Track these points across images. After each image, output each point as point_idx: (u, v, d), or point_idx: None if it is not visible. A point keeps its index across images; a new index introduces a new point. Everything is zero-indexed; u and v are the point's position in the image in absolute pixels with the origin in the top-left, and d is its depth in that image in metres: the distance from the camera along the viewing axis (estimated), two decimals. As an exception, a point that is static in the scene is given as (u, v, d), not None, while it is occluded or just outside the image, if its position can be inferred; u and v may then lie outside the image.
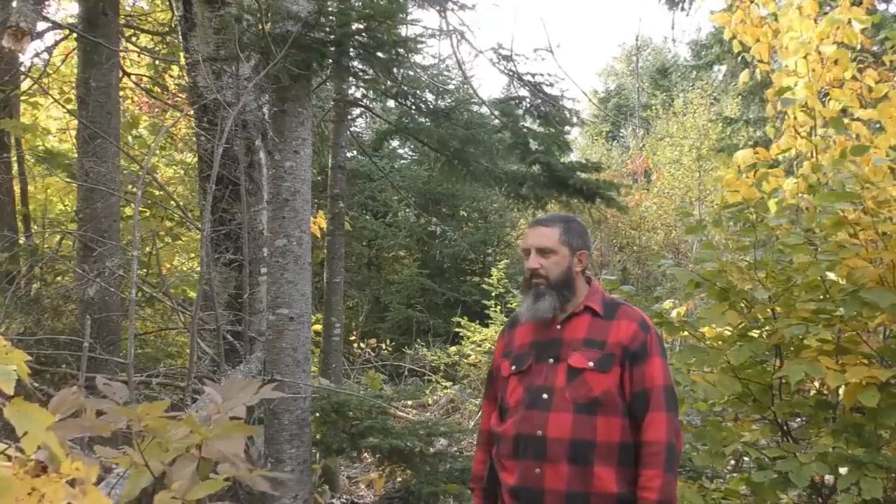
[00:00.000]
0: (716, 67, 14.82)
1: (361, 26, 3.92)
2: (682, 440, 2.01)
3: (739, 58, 4.60)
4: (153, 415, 0.92)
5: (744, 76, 4.72)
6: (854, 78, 3.97)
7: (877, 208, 2.72)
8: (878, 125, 3.87)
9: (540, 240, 2.07)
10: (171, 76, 8.33)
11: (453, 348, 9.63)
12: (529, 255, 2.08)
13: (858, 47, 4.08)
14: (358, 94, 6.19)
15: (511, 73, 5.22)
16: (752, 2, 4.24)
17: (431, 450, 4.51)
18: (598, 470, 1.91)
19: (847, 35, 3.88)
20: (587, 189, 4.95)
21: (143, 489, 1.02)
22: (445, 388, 8.41)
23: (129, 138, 7.48)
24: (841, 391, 2.74)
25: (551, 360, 2.01)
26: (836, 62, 3.97)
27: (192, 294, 6.48)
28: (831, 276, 2.87)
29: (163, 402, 0.95)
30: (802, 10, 3.94)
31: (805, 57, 3.93)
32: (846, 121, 3.75)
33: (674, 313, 3.80)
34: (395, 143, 12.01)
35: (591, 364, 1.96)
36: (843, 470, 2.58)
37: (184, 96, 6.76)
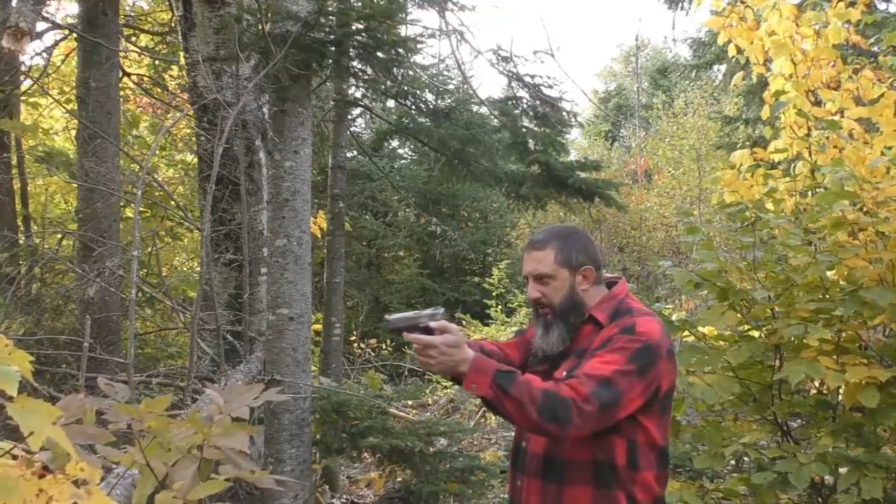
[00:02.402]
0: (715, 67, 14.80)
1: (361, 26, 3.93)
2: (573, 426, 1.64)
3: (734, 60, 4.59)
4: (155, 412, 0.92)
5: (736, 78, 4.70)
6: (849, 78, 3.96)
7: (876, 209, 2.73)
8: (875, 125, 3.87)
9: (534, 266, 1.86)
10: (171, 76, 8.34)
11: (453, 348, 9.61)
12: (529, 283, 1.90)
13: (846, 45, 4.07)
14: (358, 94, 6.20)
15: (510, 75, 5.23)
16: (744, 5, 4.24)
17: (431, 449, 4.52)
18: (569, 490, 1.77)
19: (829, 34, 3.87)
20: (586, 188, 4.96)
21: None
22: (445, 388, 8.41)
23: (129, 138, 7.48)
24: (841, 391, 2.75)
25: (549, 370, 1.91)
26: (831, 64, 3.97)
27: (192, 294, 6.48)
28: (830, 275, 2.87)
29: (165, 399, 0.95)
30: (782, 12, 3.94)
31: (791, 59, 3.94)
32: (838, 119, 3.76)
33: (674, 317, 3.80)
34: (395, 143, 12.03)
35: (564, 374, 1.79)
36: (842, 470, 2.58)
37: (184, 96, 6.76)
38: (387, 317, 1.81)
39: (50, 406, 0.78)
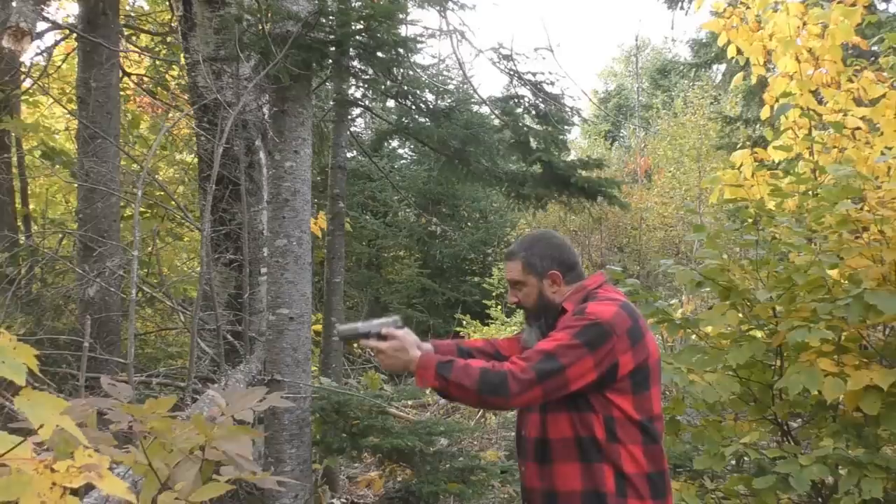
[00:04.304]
0: (715, 67, 14.81)
1: (361, 26, 3.93)
2: (512, 394, 1.80)
3: (734, 60, 4.58)
4: (158, 413, 0.92)
5: (736, 79, 4.70)
6: (850, 80, 3.96)
7: (879, 208, 2.73)
8: (876, 126, 3.86)
9: (508, 274, 2.09)
10: (171, 76, 8.33)
11: (453, 348, 9.61)
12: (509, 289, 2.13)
13: (846, 45, 4.07)
14: (358, 94, 6.19)
15: (511, 73, 5.23)
16: (745, 6, 4.23)
17: (432, 449, 4.51)
18: (559, 467, 1.90)
19: (834, 33, 3.86)
20: (589, 187, 4.96)
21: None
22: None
23: (131, 138, 7.48)
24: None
25: None
26: (833, 62, 3.96)
27: (193, 294, 6.48)
28: (832, 274, 2.87)
29: (168, 399, 0.95)
30: (790, 10, 3.94)
31: (796, 58, 3.93)
32: (840, 117, 3.76)
33: (677, 313, 3.80)
34: (395, 143, 12.02)
35: None
36: (842, 470, 2.58)
37: (184, 96, 6.76)
38: (337, 326, 2.18)
39: (56, 398, 0.79)
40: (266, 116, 4.33)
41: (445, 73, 10.43)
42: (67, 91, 7.53)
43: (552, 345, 1.85)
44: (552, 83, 5.31)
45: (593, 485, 1.86)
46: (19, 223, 7.11)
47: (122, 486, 0.79)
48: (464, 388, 1.82)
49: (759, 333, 2.96)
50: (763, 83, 4.70)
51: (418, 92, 5.06)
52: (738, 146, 5.68)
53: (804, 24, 3.94)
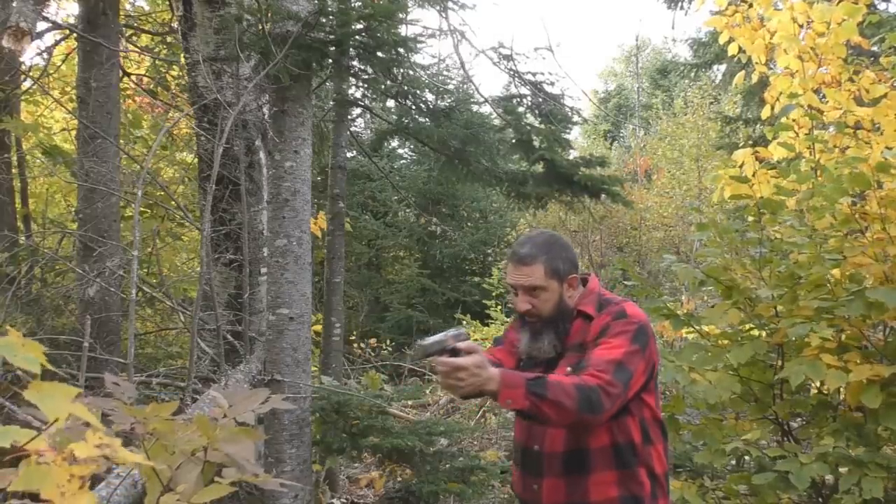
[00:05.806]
0: (715, 67, 14.80)
1: (361, 26, 3.92)
2: (605, 410, 1.70)
3: (735, 59, 4.57)
4: (162, 416, 0.92)
5: (738, 78, 4.69)
6: (850, 80, 3.96)
7: (881, 208, 2.73)
8: (876, 125, 3.86)
9: (525, 280, 1.91)
10: (171, 76, 8.33)
11: (453, 348, 9.60)
12: (517, 293, 1.94)
13: (846, 44, 4.07)
14: (358, 94, 6.19)
15: (512, 73, 5.23)
16: (748, 4, 4.23)
17: (432, 449, 4.51)
18: (594, 477, 1.84)
19: (838, 31, 3.86)
20: (592, 185, 4.94)
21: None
22: (445, 387, 8.37)
23: (131, 138, 7.48)
24: (843, 390, 2.74)
25: (546, 371, 1.94)
26: (836, 59, 3.95)
27: (193, 293, 6.48)
28: (834, 273, 2.87)
29: (172, 404, 0.95)
30: (795, 9, 3.94)
31: (799, 56, 3.93)
32: (840, 115, 3.76)
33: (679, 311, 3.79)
34: (395, 143, 12.01)
35: (568, 369, 1.86)
36: (843, 469, 2.58)
37: (184, 96, 6.76)
38: (419, 342, 1.77)
39: (65, 385, 0.80)
40: (266, 116, 4.32)
41: (445, 73, 10.42)
42: (67, 91, 7.52)
43: (619, 353, 1.77)
44: (552, 83, 5.32)
45: (630, 490, 1.83)
46: (19, 223, 7.10)
47: (137, 455, 0.80)
48: (562, 407, 1.65)
49: (758, 333, 2.96)
50: (764, 82, 4.69)
51: (418, 92, 5.06)
52: (740, 146, 5.68)
53: (809, 21, 3.93)
